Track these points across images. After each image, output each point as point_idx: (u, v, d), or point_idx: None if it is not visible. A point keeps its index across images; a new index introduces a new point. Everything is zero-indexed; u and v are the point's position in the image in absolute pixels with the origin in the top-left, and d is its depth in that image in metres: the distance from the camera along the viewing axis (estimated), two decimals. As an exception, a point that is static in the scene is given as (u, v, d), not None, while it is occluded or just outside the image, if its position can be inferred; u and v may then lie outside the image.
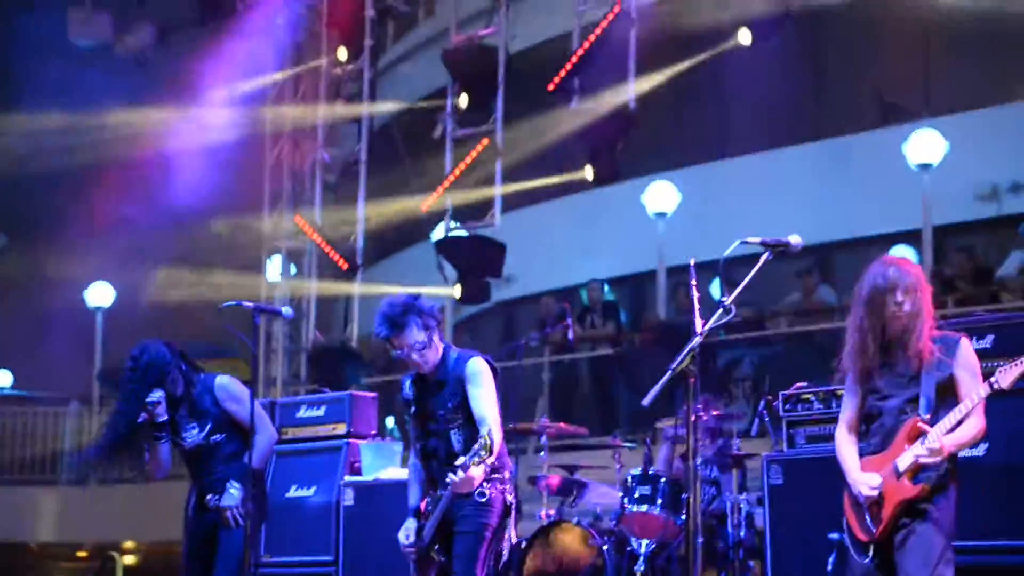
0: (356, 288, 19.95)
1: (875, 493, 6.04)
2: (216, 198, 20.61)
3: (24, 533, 21.15)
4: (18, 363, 22.87)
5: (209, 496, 7.64)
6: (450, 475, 6.63)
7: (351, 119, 20.41)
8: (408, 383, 7.14)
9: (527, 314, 18.81)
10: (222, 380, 7.75)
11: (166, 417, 7.60)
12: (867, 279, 6.24)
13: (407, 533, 7.00)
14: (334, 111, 20.67)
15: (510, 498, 6.99)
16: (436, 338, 6.98)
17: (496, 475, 6.91)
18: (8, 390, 22.65)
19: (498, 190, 18.12)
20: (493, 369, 7.01)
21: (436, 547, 6.91)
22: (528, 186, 18.51)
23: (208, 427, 7.64)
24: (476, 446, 6.59)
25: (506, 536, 7.04)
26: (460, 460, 6.62)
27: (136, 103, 21.07)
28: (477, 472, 6.64)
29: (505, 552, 7.11)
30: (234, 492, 7.52)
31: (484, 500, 6.86)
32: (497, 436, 6.68)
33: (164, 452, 7.66)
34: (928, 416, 6.04)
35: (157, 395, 7.56)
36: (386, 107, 20.77)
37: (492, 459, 6.67)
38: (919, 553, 5.94)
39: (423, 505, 7.04)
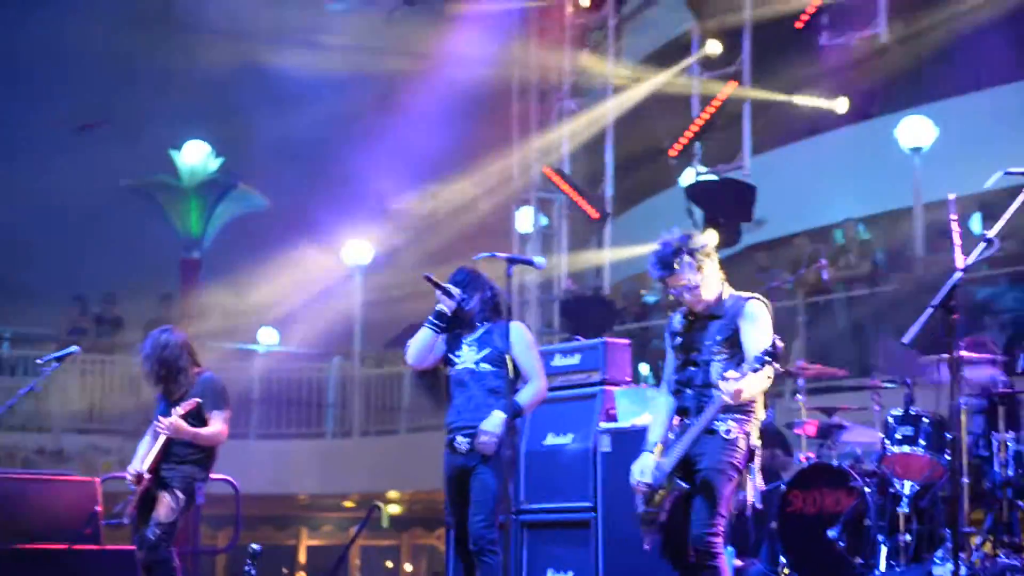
0: (606, 236, 20.03)
1: None
2: (462, 150, 20.93)
3: (293, 485, 21.85)
4: (282, 321, 23.59)
5: (458, 441, 7.69)
6: (723, 381, 6.48)
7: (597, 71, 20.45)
8: (679, 317, 7.07)
9: (780, 256, 18.57)
10: (518, 324, 7.87)
11: (449, 311, 7.72)
12: None
13: (641, 469, 6.91)
14: (579, 61, 20.74)
15: (756, 442, 6.83)
16: (712, 276, 6.89)
17: (744, 416, 6.78)
18: (275, 348, 23.37)
19: (747, 131, 17.95)
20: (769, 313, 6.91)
21: (677, 476, 6.77)
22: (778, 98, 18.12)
23: (485, 353, 7.73)
24: (760, 352, 6.42)
25: (749, 485, 6.88)
26: (732, 373, 6.49)
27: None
28: (751, 383, 6.50)
29: (749, 505, 6.93)
30: (497, 419, 7.55)
31: (730, 438, 6.72)
32: (774, 366, 6.48)
33: (431, 340, 7.80)
34: None
35: (457, 291, 7.74)
36: (628, 73, 20.62)
37: (771, 372, 6.50)
38: None
39: (663, 441, 6.92)
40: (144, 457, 8.91)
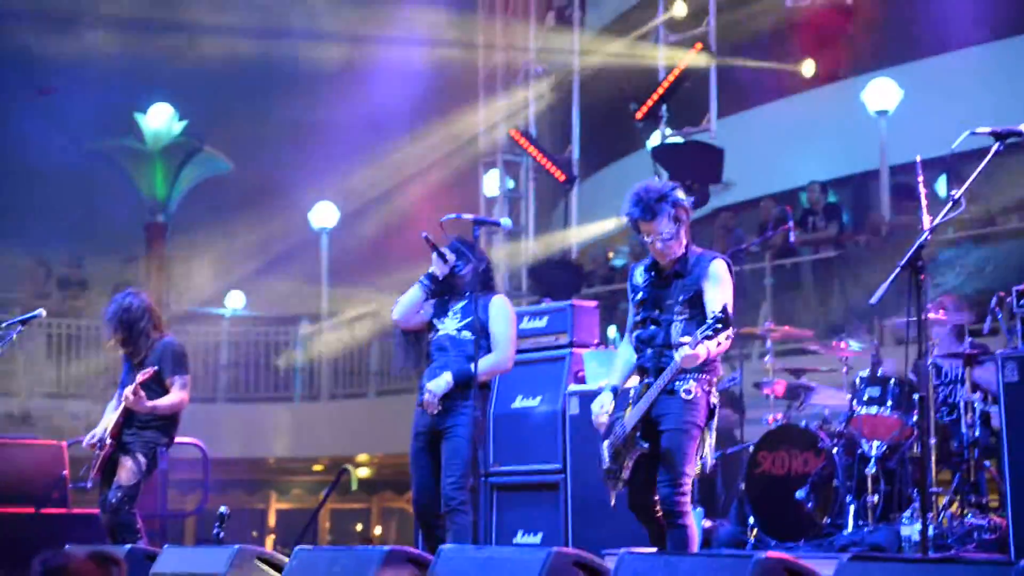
0: (573, 199, 20.01)
1: None
2: (428, 111, 20.84)
3: (262, 449, 21.82)
4: (250, 285, 23.52)
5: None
6: (680, 350, 6.49)
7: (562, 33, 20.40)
8: (641, 269, 7.02)
9: (747, 219, 18.60)
10: (500, 297, 7.99)
11: (441, 275, 7.78)
12: None
13: (600, 403, 6.91)
14: (545, 25, 20.67)
15: (714, 400, 6.83)
16: (683, 232, 6.85)
17: (704, 375, 6.77)
18: (242, 311, 23.29)
19: (713, 94, 17.93)
20: (731, 273, 6.91)
21: (638, 434, 6.77)
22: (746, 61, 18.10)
23: (466, 321, 7.78)
24: (711, 319, 6.42)
25: (708, 442, 6.87)
26: (686, 339, 6.50)
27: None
28: (708, 348, 6.49)
29: (707, 463, 6.90)
30: (443, 380, 7.63)
31: (690, 398, 6.71)
32: (726, 332, 6.46)
33: (420, 299, 7.86)
34: None
35: (452, 256, 7.79)
36: (596, 44, 20.53)
37: (725, 338, 6.49)
38: None
39: (622, 393, 6.92)
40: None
